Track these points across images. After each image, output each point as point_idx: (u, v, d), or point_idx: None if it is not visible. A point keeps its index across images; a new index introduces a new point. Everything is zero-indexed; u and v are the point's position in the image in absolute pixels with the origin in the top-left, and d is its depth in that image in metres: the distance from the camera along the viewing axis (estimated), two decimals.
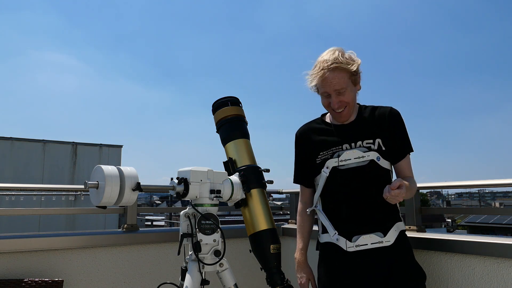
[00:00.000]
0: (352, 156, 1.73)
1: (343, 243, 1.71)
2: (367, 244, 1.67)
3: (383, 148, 1.74)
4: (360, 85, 1.79)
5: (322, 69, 1.68)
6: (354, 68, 1.68)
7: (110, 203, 1.52)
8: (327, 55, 1.70)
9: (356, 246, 1.68)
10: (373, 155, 1.73)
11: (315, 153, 1.84)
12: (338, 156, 1.75)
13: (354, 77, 1.71)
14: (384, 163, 1.75)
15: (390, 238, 1.68)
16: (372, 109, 1.84)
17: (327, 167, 1.77)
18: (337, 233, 1.73)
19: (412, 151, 1.81)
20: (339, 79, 1.67)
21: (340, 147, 1.77)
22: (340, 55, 1.68)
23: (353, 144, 1.76)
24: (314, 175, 1.86)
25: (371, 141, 1.75)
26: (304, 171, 1.92)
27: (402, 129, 1.80)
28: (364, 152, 1.73)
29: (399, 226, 1.73)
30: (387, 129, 1.77)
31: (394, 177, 1.82)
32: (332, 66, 1.66)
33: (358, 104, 1.87)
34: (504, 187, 2.11)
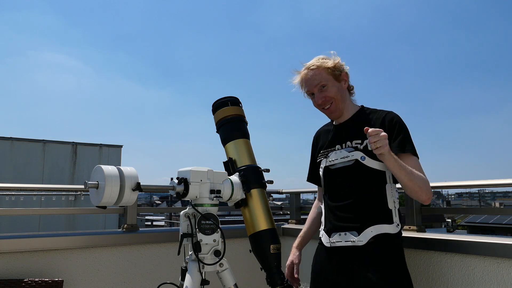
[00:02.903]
0: (338, 156, 1.81)
1: (324, 238, 1.84)
2: (341, 242, 1.75)
3: (370, 148, 1.68)
4: (351, 85, 1.91)
5: (304, 69, 1.90)
6: (329, 64, 1.85)
7: (110, 203, 1.52)
8: (311, 61, 1.91)
9: (332, 242, 1.78)
10: (357, 155, 1.75)
11: (318, 153, 1.98)
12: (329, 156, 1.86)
13: (334, 73, 1.84)
14: (371, 163, 1.73)
15: (363, 238, 1.70)
16: (372, 112, 1.89)
17: (321, 167, 1.90)
18: (322, 229, 1.88)
19: (409, 152, 1.72)
20: (318, 75, 1.84)
21: (334, 147, 1.87)
22: (320, 59, 1.89)
23: (343, 145, 1.83)
24: (319, 175, 1.95)
25: (359, 141, 1.78)
26: (314, 171, 2.03)
27: (397, 131, 1.75)
28: (350, 152, 1.78)
29: (380, 228, 1.70)
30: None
31: (390, 179, 1.76)
32: (311, 66, 1.87)
33: (361, 106, 1.94)
34: (504, 187, 2.11)
